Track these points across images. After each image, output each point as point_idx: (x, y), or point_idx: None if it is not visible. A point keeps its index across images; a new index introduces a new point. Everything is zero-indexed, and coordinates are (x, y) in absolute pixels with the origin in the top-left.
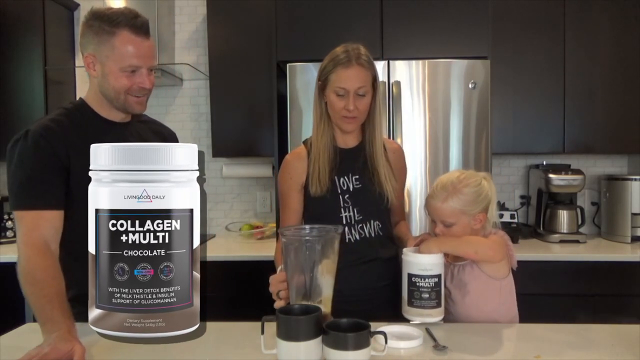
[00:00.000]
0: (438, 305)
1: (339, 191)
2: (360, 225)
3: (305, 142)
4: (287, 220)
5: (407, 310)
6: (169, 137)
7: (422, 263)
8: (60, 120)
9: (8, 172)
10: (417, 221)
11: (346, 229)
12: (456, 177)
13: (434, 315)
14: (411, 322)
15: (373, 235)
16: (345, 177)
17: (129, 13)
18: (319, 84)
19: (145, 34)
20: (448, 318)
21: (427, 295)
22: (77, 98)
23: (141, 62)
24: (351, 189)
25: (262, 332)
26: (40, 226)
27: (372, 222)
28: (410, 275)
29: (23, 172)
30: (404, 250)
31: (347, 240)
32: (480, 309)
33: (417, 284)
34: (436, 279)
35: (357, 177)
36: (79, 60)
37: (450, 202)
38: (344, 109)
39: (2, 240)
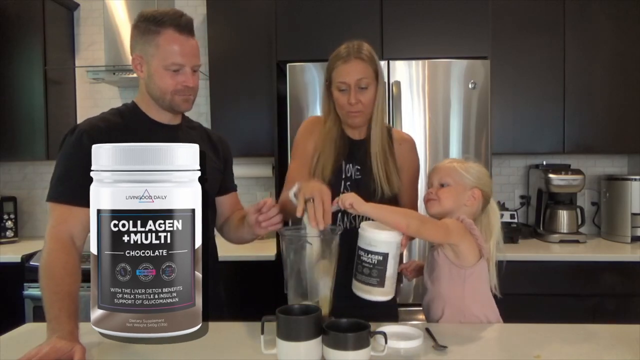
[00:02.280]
0: (379, 285)
1: (343, 176)
2: (353, 215)
3: None
4: (296, 170)
5: (353, 282)
6: (219, 142)
7: (367, 237)
8: (110, 119)
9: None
10: None
11: (339, 215)
12: (466, 160)
13: (374, 294)
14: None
15: None
16: (350, 165)
17: (174, 13)
18: (326, 84)
19: (190, 33)
20: (424, 309)
21: (367, 271)
22: (76, 101)
23: (185, 61)
24: (352, 178)
25: (262, 332)
26: (67, 221)
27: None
28: (358, 248)
29: (62, 165)
30: (362, 223)
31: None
32: (443, 297)
33: (361, 257)
34: (380, 257)
35: (358, 167)
36: (79, 60)
37: (455, 164)
38: (347, 103)
39: (2, 240)
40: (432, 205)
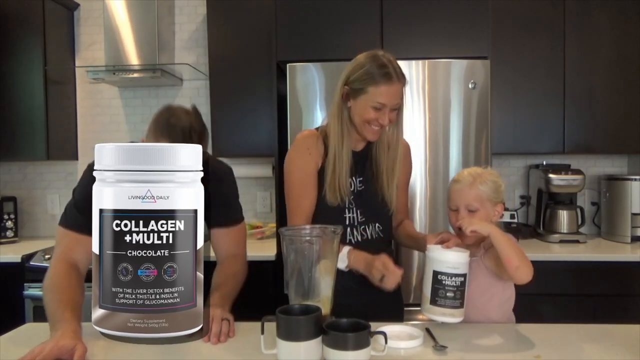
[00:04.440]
0: (461, 305)
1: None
2: (363, 227)
3: (317, 129)
4: (304, 204)
5: (429, 309)
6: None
7: (450, 261)
8: None
9: None
10: (418, 221)
11: (348, 229)
12: (480, 169)
13: (456, 316)
14: (435, 321)
15: (374, 237)
16: (353, 178)
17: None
18: (345, 89)
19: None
20: None
21: (451, 295)
22: (76, 101)
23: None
24: (355, 191)
25: (262, 332)
26: (75, 249)
27: (373, 224)
28: (436, 273)
29: (77, 194)
30: (430, 247)
31: (347, 241)
32: (478, 308)
33: (444, 282)
34: (462, 279)
35: (361, 179)
36: (79, 60)
37: (478, 185)
38: (376, 120)
39: (2, 241)
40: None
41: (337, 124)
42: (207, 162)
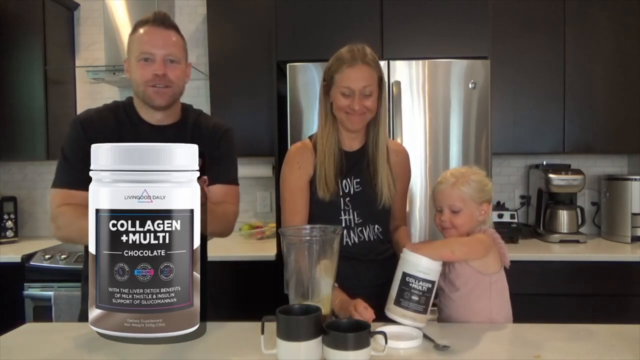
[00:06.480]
0: (424, 312)
1: (341, 194)
2: (360, 228)
3: (310, 137)
4: (295, 219)
5: (392, 309)
6: (209, 136)
7: (420, 264)
8: (103, 112)
9: None
10: (418, 222)
11: (345, 231)
12: (464, 169)
13: (417, 321)
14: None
15: (372, 238)
16: (348, 180)
17: (152, 14)
18: (323, 85)
19: (163, 25)
20: (440, 317)
21: (416, 299)
22: (76, 101)
23: (153, 49)
24: (352, 192)
25: (262, 332)
26: (69, 201)
27: (371, 225)
28: (405, 274)
29: (61, 154)
30: (404, 249)
31: (344, 243)
32: (471, 307)
33: (410, 284)
34: (429, 285)
35: (358, 180)
36: (79, 60)
37: (460, 186)
38: (348, 107)
39: (2, 240)
40: (451, 234)
41: (321, 120)
42: (211, 117)
